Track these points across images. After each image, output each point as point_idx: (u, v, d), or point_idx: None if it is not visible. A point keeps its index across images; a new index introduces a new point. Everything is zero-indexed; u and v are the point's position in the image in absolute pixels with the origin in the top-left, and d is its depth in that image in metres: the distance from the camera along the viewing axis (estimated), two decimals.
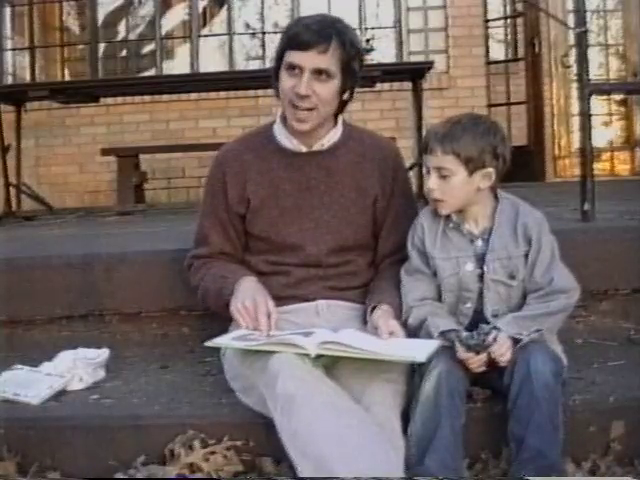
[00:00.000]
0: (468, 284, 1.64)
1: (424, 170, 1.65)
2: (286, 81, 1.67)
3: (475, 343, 1.51)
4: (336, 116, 1.79)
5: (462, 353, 1.52)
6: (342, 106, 1.76)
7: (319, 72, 1.64)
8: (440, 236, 1.67)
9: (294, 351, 1.48)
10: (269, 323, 1.58)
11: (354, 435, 1.35)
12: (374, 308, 1.67)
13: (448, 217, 1.66)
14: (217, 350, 1.76)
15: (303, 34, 1.62)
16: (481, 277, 1.63)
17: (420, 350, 1.51)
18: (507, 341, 1.52)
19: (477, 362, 1.52)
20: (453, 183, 1.59)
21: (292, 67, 1.65)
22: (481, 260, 1.63)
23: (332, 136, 1.79)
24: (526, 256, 1.62)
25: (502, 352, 1.51)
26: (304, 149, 1.77)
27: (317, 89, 1.65)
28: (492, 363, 1.53)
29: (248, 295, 1.63)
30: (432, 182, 1.60)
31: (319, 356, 1.49)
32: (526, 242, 1.62)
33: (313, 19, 1.66)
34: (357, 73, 1.71)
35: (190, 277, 1.85)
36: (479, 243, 1.65)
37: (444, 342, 1.55)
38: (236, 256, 1.83)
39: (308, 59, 1.62)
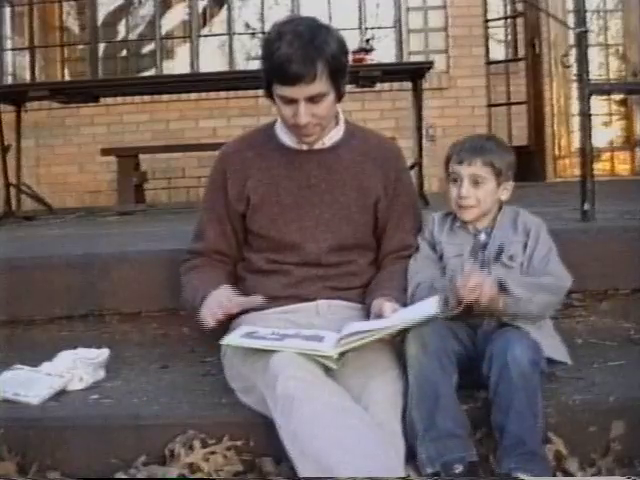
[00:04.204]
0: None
1: (448, 180, 1.75)
2: (283, 109, 1.67)
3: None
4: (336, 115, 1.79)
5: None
6: (339, 99, 1.76)
7: (313, 97, 1.63)
8: (447, 230, 1.78)
9: (314, 354, 1.49)
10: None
11: (354, 435, 1.35)
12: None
13: (456, 217, 1.76)
14: (217, 350, 1.76)
15: (288, 69, 1.58)
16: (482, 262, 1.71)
17: (428, 307, 1.54)
18: (482, 276, 1.56)
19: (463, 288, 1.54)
20: (485, 190, 1.72)
21: (286, 98, 1.64)
22: (483, 249, 1.73)
23: (334, 135, 1.79)
24: (524, 246, 1.70)
25: (466, 283, 1.53)
26: (305, 147, 1.78)
27: (315, 111, 1.65)
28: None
29: (210, 303, 1.65)
30: (465, 190, 1.71)
31: (341, 356, 1.49)
32: (525, 234, 1.72)
33: (290, 45, 1.58)
34: (346, 68, 1.70)
35: (181, 274, 1.86)
36: (482, 236, 1.74)
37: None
38: (230, 256, 1.83)
39: (299, 92, 1.62)
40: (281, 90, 1.64)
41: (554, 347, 1.67)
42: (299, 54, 1.58)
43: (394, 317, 1.57)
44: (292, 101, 1.64)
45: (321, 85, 1.63)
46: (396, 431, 1.45)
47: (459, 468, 1.41)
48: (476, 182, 1.71)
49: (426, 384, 1.49)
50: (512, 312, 1.60)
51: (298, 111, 1.64)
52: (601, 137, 6.38)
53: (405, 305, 1.66)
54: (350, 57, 1.78)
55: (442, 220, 1.80)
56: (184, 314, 1.83)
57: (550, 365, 1.64)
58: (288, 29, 1.63)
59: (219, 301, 1.63)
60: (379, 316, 1.61)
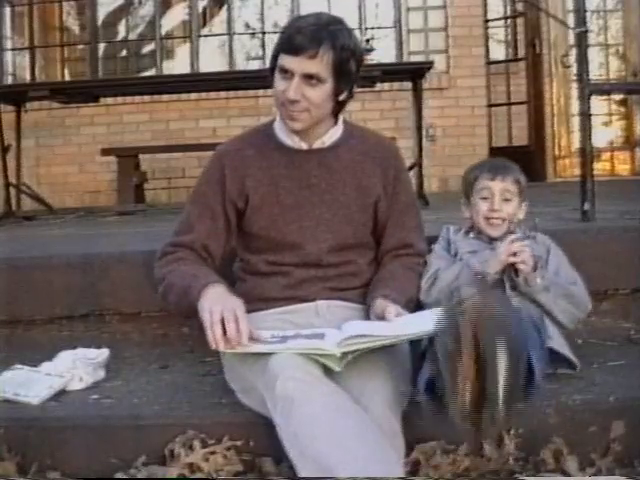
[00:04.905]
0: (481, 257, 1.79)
1: (476, 197, 1.86)
2: (278, 83, 1.68)
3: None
4: (336, 115, 1.79)
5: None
6: (341, 106, 1.76)
7: (309, 77, 1.63)
8: (462, 235, 1.91)
9: (318, 352, 1.48)
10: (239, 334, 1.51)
11: (353, 436, 1.35)
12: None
13: (469, 230, 1.90)
14: (217, 350, 1.75)
15: (294, 38, 1.62)
16: None
17: (429, 321, 1.53)
18: (520, 242, 1.71)
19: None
20: (512, 206, 1.85)
21: (284, 70, 1.65)
22: None
23: (333, 134, 1.79)
24: (545, 262, 1.79)
25: (511, 247, 1.70)
26: (305, 146, 1.77)
27: (307, 93, 1.65)
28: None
29: (217, 305, 1.54)
30: (498, 204, 1.84)
31: (344, 356, 1.49)
32: (545, 249, 1.84)
33: (307, 21, 1.65)
34: (353, 74, 1.70)
35: (156, 267, 1.77)
36: (498, 243, 1.81)
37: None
38: (215, 256, 1.78)
39: (298, 64, 1.62)
40: (282, 60, 1.65)
41: (562, 345, 1.70)
42: (310, 29, 1.62)
43: (398, 325, 1.55)
44: (289, 75, 1.64)
45: (321, 67, 1.63)
46: (396, 432, 1.45)
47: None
48: (506, 198, 1.84)
49: None
50: (537, 298, 1.71)
51: (290, 85, 1.64)
52: (601, 137, 6.39)
53: (404, 305, 1.66)
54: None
55: (456, 230, 1.93)
56: (172, 307, 1.73)
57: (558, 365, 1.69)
58: (312, 14, 1.70)
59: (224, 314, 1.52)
60: (381, 317, 1.61)
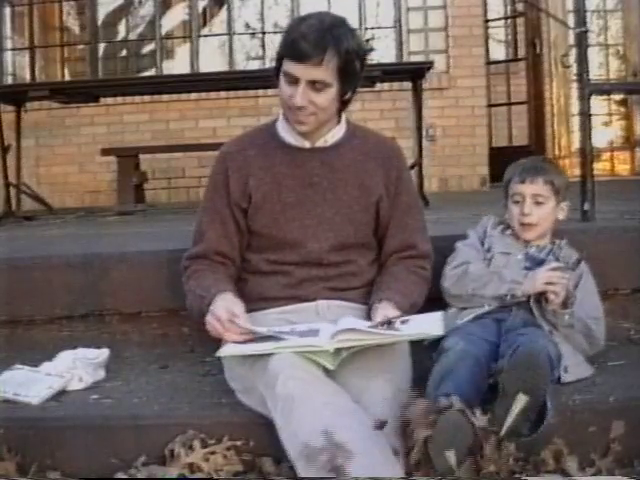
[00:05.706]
0: (513, 269, 1.78)
1: (509, 200, 1.85)
2: (284, 88, 1.68)
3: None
4: (339, 114, 1.79)
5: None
6: (345, 104, 1.76)
7: (315, 82, 1.63)
8: (499, 231, 1.90)
9: (310, 350, 1.48)
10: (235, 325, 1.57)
11: (354, 436, 1.35)
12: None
13: (508, 227, 1.88)
14: (217, 350, 1.76)
15: (299, 44, 1.61)
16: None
17: (432, 324, 1.53)
18: (560, 273, 1.69)
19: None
20: (546, 209, 1.82)
21: (289, 76, 1.65)
22: (531, 260, 1.80)
23: (335, 133, 1.79)
24: (576, 285, 1.76)
25: (550, 275, 1.68)
26: (307, 145, 1.77)
27: (313, 98, 1.65)
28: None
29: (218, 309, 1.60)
30: (528, 208, 1.81)
31: (337, 352, 1.48)
32: (578, 275, 1.79)
33: (310, 26, 1.63)
34: (358, 74, 1.70)
35: (183, 282, 1.81)
36: (532, 248, 1.82)
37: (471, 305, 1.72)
38: (231, 258, 1.80)
39: (303, 71, 1.62)
40: (287, 66, 1.65)
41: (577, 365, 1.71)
42: (314, 35, 1.61)
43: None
44: (294, 81, 1.64)
45: (326, 73, 1.63)
46: (396, 431, 1.45)
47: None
48: (537, 202, 1.81)
49: (448, 365, 1.51)
50: (559, 329, 1.70)
51: (297, 91, 1.64)
52: (601, 137, 6.40)
53: (408, 309, 1.66)
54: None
55: (495, 223, 1.92)
56: (194, 321, 1.78)
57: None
58: (314, 15, 1.68)
59: (224, 319, 1.57)
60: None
